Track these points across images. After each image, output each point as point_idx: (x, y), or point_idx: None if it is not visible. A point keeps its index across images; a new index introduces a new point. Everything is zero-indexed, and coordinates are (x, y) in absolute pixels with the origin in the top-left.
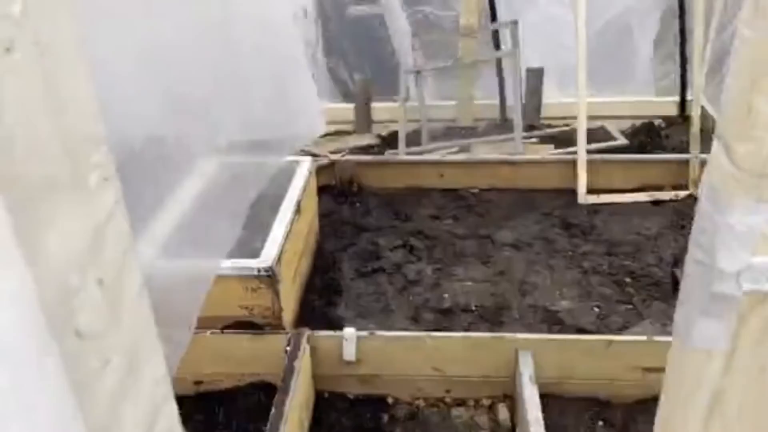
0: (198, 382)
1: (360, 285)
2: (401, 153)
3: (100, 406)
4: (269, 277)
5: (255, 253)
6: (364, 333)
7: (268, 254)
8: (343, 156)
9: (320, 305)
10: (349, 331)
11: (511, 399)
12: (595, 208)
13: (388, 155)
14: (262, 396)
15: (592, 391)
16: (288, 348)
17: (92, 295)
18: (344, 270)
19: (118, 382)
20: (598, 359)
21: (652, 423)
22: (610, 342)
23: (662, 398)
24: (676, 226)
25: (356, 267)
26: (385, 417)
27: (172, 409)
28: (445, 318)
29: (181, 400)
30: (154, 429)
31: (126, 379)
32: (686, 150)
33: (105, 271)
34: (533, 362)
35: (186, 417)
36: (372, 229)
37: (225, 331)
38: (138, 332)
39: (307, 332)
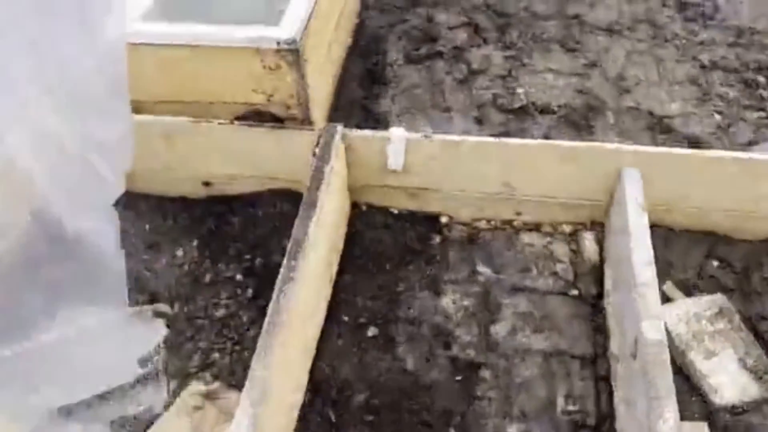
0: (207, 183)
1: (410, 73)
2: None
3: None
4: (293, 52)
5: (276, 18)
6: (415, 135)
7: (292, 21)
8: None
9: (360, 97)
10: (396, 133)
11: (601, 227)
12: None
13: None
14: (285, 205)
15: (709, 222)
16: (316, 149)
17: None
18: (391, 53)
19: None
20: (724, 182)
21: None
22: (745, 160)
23: None
24: None
25: (406, 50)
26: (437, 239)
27: None
28: (518, 120)
29: (188, 202)
30: None
31: None
32: None
33: None
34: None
35: (194, 223)
36: (427, 1)
37: (235, 121)
38: None
39: (341, 129)
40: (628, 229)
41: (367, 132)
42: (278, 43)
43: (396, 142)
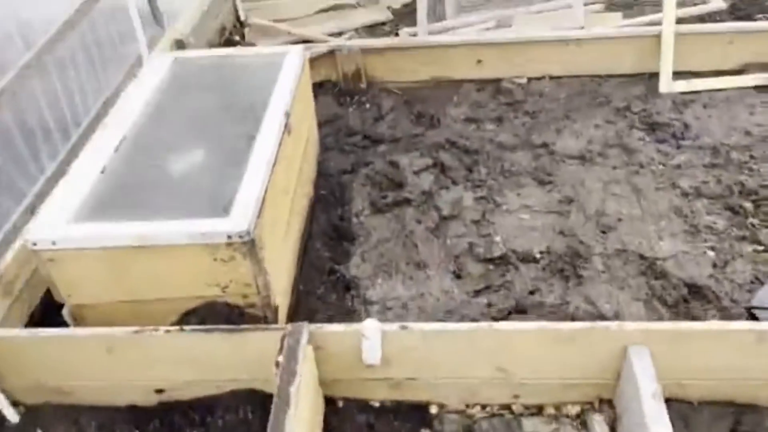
0: (160, 390)
1: (379, 224)
2: (422, 32)
3: None
4: (246, 244)
5: (226, 204)
6: (391, 327)
7: (244, 207)
8: (346, 40)
9: (325, 259)
10: (369, 326)
11: (610, 404)
12: (684, 99)
13: (405, 36)
14: (248, 410)
15: (728, 392)
16: (280, 358)
17: None
18: (356, 202)
19: None
20: (740, 353)
21: None
22: (762, 331)
23: None
24: None
25: (371, 198)
26: None
27: None
28: (499, 270)
29: (138, 412)
30: None
31: None
32: None
33: None
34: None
35: None
36: (388, 139)
37: (185, 327)
38: None
39: (306, 330)
40: (645, 423)
41: (337, 327)
42: (229, 237)
43: (370, 336)
